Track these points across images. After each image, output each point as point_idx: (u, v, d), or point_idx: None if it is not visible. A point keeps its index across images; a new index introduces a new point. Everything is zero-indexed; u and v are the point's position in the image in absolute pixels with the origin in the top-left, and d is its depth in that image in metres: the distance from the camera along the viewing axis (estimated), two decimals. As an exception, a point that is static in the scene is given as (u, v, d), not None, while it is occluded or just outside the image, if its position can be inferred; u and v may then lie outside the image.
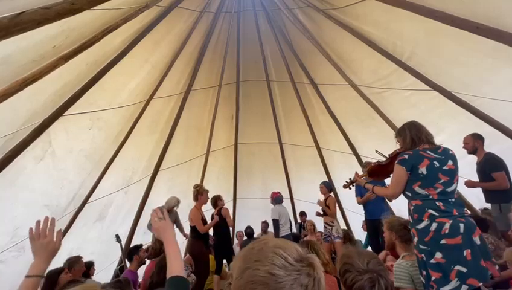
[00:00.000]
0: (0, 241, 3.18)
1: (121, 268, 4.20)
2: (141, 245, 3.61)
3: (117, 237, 4.23)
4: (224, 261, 4.54)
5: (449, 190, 1.88)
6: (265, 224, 6.03)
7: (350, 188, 2.81)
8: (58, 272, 2.66)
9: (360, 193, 4.25)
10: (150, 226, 4.66)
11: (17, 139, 2.92)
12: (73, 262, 3.07)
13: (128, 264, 3.70)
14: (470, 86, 3.44)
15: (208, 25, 4.94)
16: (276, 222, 4.77)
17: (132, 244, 4.82)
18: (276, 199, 5.04)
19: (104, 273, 4.32)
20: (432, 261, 1.73)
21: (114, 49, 3.55)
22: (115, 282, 1.86)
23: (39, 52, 2.54)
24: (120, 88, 4.02)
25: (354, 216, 5.98)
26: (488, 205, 3.43)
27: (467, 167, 3.44)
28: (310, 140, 6.35)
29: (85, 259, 3.40)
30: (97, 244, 4.45)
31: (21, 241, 3.38)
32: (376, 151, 2.79)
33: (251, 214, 6.01)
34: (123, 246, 4.44)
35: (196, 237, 4.11)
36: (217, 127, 6.43)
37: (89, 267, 3.54)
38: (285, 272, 0.61)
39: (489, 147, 3.30)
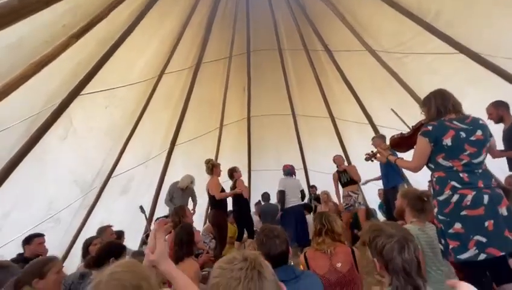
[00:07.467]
0: (38, 213, 3.49)
1: (147, 236, 4.54)
2: (166, 216, 3.81)
3: (141, 208, 4.51)
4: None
5: (476, 161, 1.80)
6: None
7: (372, 161, 2.73)
8: (88, 244, 2.90)
9: None
10: (167, 202, 4.84)
11: (40, 120, 3.06)
12: (101, 231, 3.37)
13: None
14: (501, 48, 3.15)
15: (215, -8, 4.68)
16: (281, 193, 4.86)
17: (155, 216, 5.15)
18: (285, 171, 5.10)
19: (131, 242, 4.70)
20: (451, 231, 1.72)
21: (122, 24, 3.48)
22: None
23: (50, 32, 2.54)
24: (131, 65, 4.00)
25: (368, 185, 5.99)
26: None
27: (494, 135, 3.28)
28: (324, 111, 6.19)
29: (115, 229, 3.66)
30: (124, 215, 4.78)
31: (56, 213, 3.70)
32: (392, 109, 2.67)
33: (266, 185, 6.15)
34: (147, 216, 4.74)
35: (216, 206, 4.32)
36: (229, 100, 6.37)
37: (120, 236, 3.84)
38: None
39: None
